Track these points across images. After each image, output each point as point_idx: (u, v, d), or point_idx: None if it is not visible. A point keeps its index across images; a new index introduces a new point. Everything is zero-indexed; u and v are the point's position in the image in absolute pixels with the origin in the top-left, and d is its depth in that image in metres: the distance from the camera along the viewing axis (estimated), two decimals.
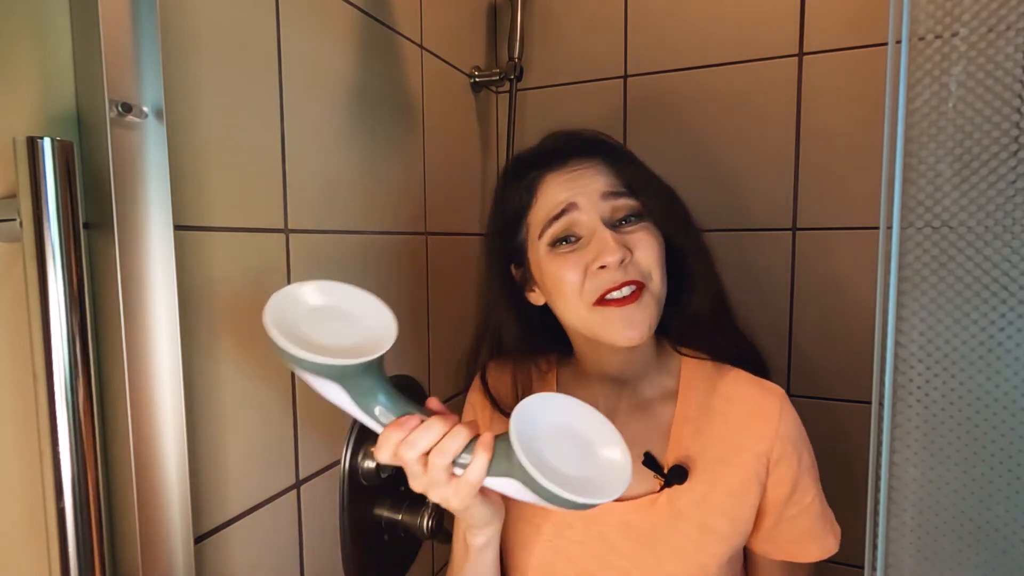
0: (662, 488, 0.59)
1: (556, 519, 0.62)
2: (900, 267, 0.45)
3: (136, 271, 0.45)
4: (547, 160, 0.61)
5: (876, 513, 0.47)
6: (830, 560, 0.96)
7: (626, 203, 0.58)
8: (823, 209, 0.92)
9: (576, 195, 0.57)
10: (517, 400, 0.67)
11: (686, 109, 0.99)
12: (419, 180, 0.90)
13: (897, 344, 0.45)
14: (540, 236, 0.59)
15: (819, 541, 0.62)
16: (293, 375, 0.66)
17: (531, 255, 0.61)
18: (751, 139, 0.96)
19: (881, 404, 0.46)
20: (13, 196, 0.39)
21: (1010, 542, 0.44)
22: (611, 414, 0.63)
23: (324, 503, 0.72)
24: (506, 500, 0.66)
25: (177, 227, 0.49)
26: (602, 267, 0.55)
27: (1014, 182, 0.41)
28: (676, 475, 0.58)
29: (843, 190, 0.91)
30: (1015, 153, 0.41)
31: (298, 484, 0.67)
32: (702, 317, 0.62)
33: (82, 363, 0.40)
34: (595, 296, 0.56)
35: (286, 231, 0.64)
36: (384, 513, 0.80)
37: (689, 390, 0.62)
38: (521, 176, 0.62)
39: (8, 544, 0.42)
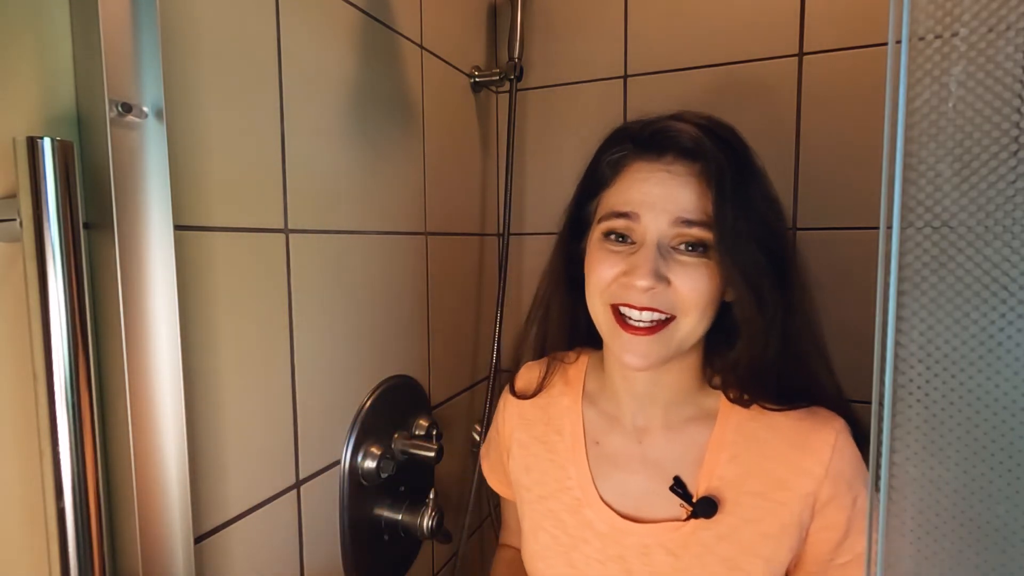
0: (688, 518, 0.55)
1: (573, 532, 0.60)
2: (900, 267, 0.44)
3: (136, 271, 0.45)
4: (645, 143, 0.55)
5: (876, 513, 0.47)
6: None
7: (696, 233, 0.51)
8: (823, 209, 0.92)
9: (645, 207, 0.52)
10: (537, 390, 0.67)
11: (686, 109, 0.99)
12: (419, 180, 0.90)
13: (897, 344, 0.45)
14: (600, 221, 0.57)
15: None
16: (293, 375, 0.66)
17: (591, 229, 0.59)
18: (751, 139, 0.95)
19: (881, 404, 0.46)
20: (13, 196, 0.39)
21: (1010, 542, 0.44)
22: (642, 433, 0.60)
23: (324, 503, 0.72)
24: (523, 507, 0.65)
25: (177, 227, 0.49)
26: (631, 283, 0.52)
27: (1014, 182, 0.41)
28: (704, 508, 0.54)
29: (843, 190, 0.90)
30: (1015, 153, 0.41)
31: (298, 484, 0.67)
32: (742, 368, 0.56)
33: (82, 363, 0.40)
34: (613, 300, 0.54)
35: (286, 231, 0.64)
36: (384, 513, 0.80)
37: (730, 411, 0.57)
38: (616, 147, 0.58)
39: (8, 544, 0.42)
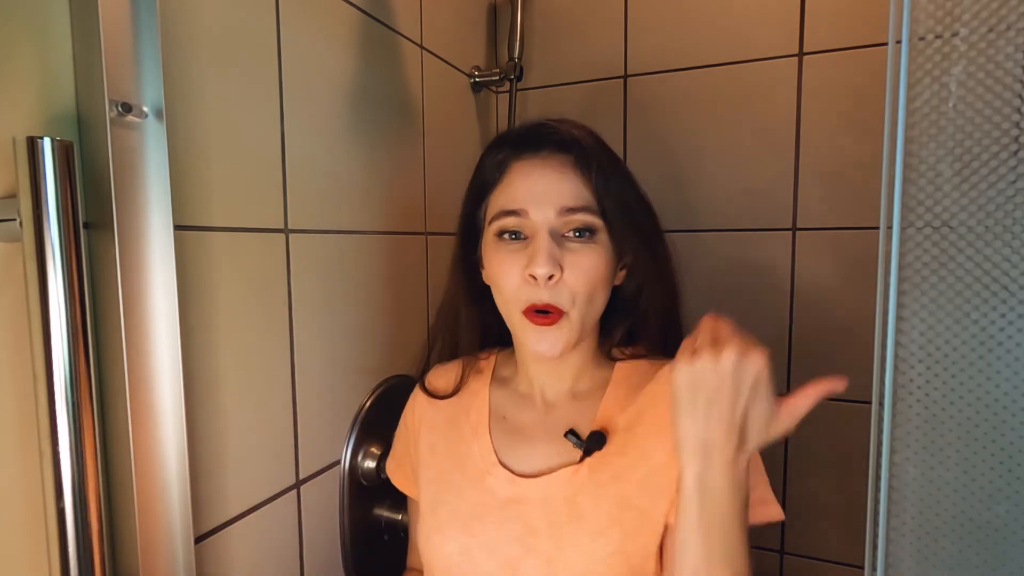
0: (582, 458, 0.58)
1: (473, 500, 0.61)
2: (900, 267, 0.45)
3: (136, 271, 0.45)
4: (522, 144, 0.60)
5: (876, 513, 0.47)
6: (830, 560, 0.96)
7: (582, 218, 0.57)
8: (823, 209, 0.92)
9: (531, 203, 0.57)
10: (456, 390, 0.68)
11: (686, 109, 0.99)
12: (419, 180, 0.90)
13: (897, 344, 0.45)
14: (490, 223, 0.60)
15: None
16: (293, 375, 0.66)
17: (484, 233, 0.63)
18: (751, 139, 0.96)
19: (881, 404, 0.46)
20: (13, 196, 0.39)
21: (1010, 542, 0.44)
22: (551, 407, 0.64)
23: (324, 503, 0.72)
24: (424, 488, 0.65)
25: (177, 227, 0.49)
26: (532, 276, 0.55)
27: (1014, 182, 0.41)
28: (595, 440, 0.58)
29: (843, 190, 0.91)
30: (1015, 153, 0.41)
31: (298, 484, 0.67)
32: (648, 334, 0.64)
33: (82, 363, 0.40)
34: (524, 306, 0.57)
35: (286, 231, 0.64)
36: (384, 513, 0.80)
37: (623, 376, 0.63)
38: (496, 153, 0.63)
39: (8, 544, 0.42)
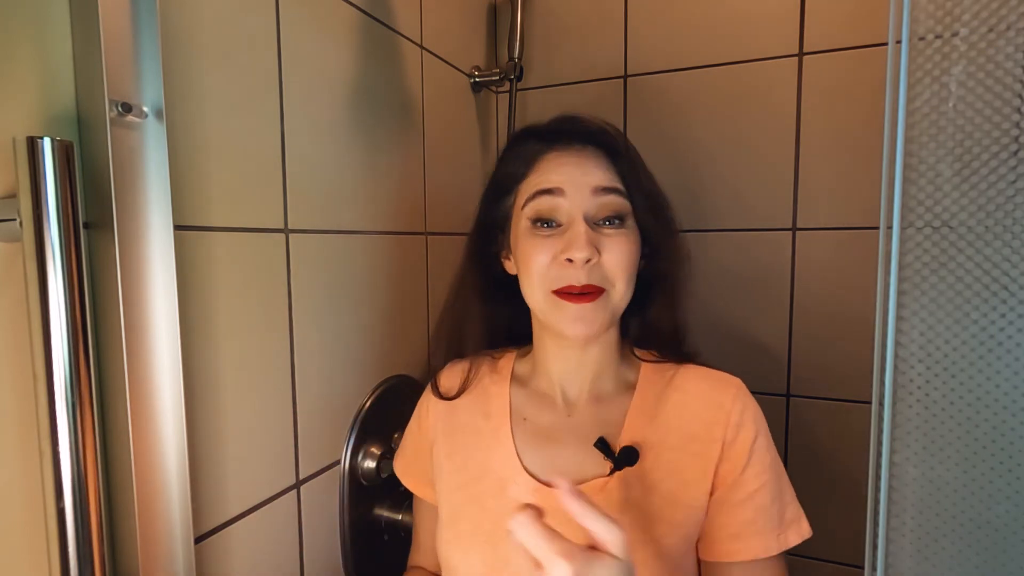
0: (612, 472, 0.57)
1: (497, 515, 0.60)
2: (900, 267, 0.45)
3: (136, 271, 0.45)
4: (553, 138, 0.62)
5: (876, 513, 0.47)
6: (830, 560, 0.96)
7: (615, 201, 0.58)
8: (823, 209, 0.92)
9: (568, 183, 0.58)
10: (462, 389, 0.67)
11: (686, 109, 0.99)
12: (419, 180, 0.90)
13: (897, 344, 0.45)
14: (524, 206, 0.60)
15: (760, 537, 0.58)
16: (293, 375, 0.66)
17: (513, 223, 0.63)
18: (751, 139, 0.95)
19: (881, 404, 0.46)
20: (13, 196, 0.39)
21: (1010, 542, 0.44)
22: (572, 407, 0.63)
23: (324, 503, 0.72)
24: (443, 496, 0.64)
25: (177, 227, 0.49)
26: (569, 260, 0.55)
27: (1014, 182, 0.41)
28: (626, 457, 0.57)
29: (843, 190, 0.90)
30: (1015, 153, 0.41)
31: (298, 484, 0.67)
32: (664, 323, 0.64)
33: (82, 363, 0.40)
34: (555, 286, 0.57)
35: (286, 231, 0.64)
36: (384, 513, 0.80)
37: (647, 383, 0.63)
38: (524, 146, 0.63)
39: (8, 544, 0.42)
